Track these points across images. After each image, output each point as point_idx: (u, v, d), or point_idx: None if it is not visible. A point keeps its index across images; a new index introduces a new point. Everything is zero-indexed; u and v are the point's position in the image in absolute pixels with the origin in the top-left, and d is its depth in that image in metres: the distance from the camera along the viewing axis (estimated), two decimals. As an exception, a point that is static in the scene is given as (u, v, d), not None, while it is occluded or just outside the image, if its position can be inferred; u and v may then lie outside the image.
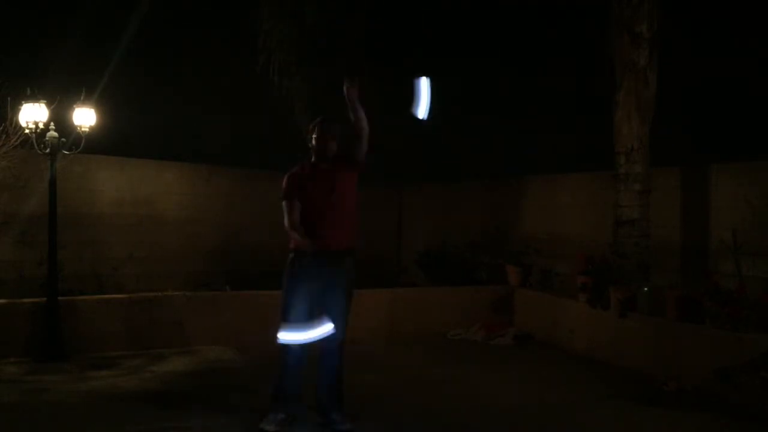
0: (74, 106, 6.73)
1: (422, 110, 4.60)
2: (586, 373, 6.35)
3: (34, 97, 6.40)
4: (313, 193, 4.57)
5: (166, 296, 7.27)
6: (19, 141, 6.86)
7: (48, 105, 6.48)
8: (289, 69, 9.62)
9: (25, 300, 6.70)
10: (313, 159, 4.69)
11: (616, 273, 6.75)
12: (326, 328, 4.34)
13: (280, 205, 4.63)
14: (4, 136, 6.83)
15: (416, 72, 4.60)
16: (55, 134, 6.54)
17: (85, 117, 6.73)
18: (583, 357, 6.89)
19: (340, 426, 4.56)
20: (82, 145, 6.77)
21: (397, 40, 10.80)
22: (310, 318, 4.53)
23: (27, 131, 6.46)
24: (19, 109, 6.47)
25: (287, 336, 4.42)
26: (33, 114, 6.39)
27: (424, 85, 4.58)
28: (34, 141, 6.47)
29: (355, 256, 4.70)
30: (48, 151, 6.52)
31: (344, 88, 4.56)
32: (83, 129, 6.73)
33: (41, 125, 6.44)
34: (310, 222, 4.55)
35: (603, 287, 6.77)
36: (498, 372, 6.42)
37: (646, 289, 6.60)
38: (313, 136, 4.64)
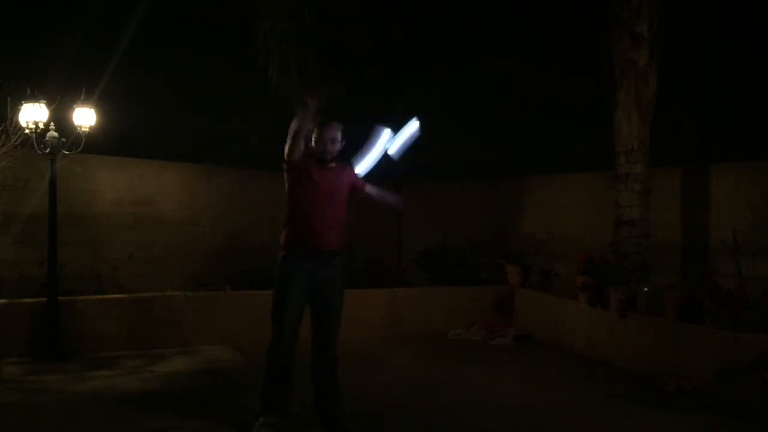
0: (74, 106, 6.72)
1: (395, 148, 4.70)
2: (586, 373, 6.36)
3: (34, 97, 6.39)
4: (311, 190, 4.50)
5: (166, 296, 7.26)
6: (19, 141, 6.85)
7: (48, 105, 6.47)
8: (289, 68, 9.62)
9: (25, 300, 6.70)
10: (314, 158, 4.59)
11: (616, 273, 6.75)
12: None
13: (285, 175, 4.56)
14: (4, 136, 6.82)
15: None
16: (55, 134, 6.54)
17: (85, 117, 6.73)
18: (583, 357, 6.90)
19: (340, 426, 4.55)
20: (82, 145, 6.77)
21: (397, 40, 10.81)
22: (301, 318, 4.53)
23: (27, 131, 6.45)
24: (19, 109, 6.46)
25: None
26: (33, 114, 6.39)
27: (411, 127, 4.67)
28: (34, 141, 6.47)
29: (343, 259, 4.63)
30: (48, 151, 6.52)
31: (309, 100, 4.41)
32: (83, 129, 6.72)
33: (41, 125, 6.43)
34: (304, 219, 4.50)
35: (603, 287, 6.77)
36: (498, 372, 6.42)
37: (646, 289, 6.61)
38: (313, 137, 4.55)
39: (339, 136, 4.56)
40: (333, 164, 4.60)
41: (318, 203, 4.50)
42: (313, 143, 4.56)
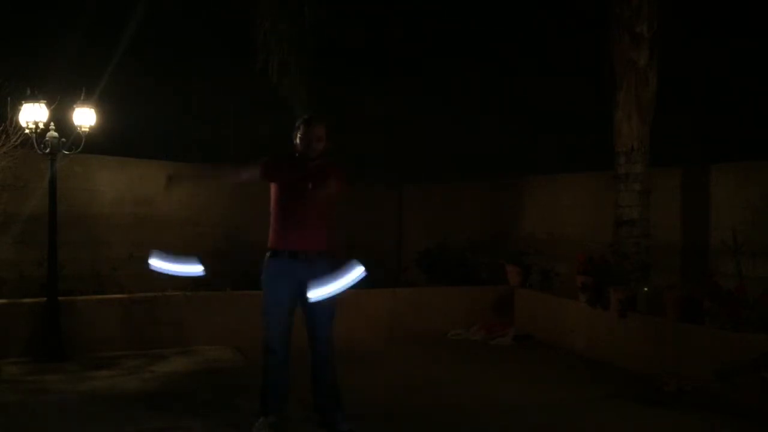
0: (74, 106, 6.72)
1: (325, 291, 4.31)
2: (586, 373, 6.36)
3: (34, 97, 6.39)
4: (288, 191, 4.46)
5: (166, 296, 7.26)
6: (19, 141, 6.86)
7: (48, 105, 6.48)
8: (289, 68, 9.62)
9: (25, 300, 6.71)
10: (297, 156, 4.54)
11: (616, 273, 6.75)
12: (196, 269, 4.50)
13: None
14: (4, 136, 6.82)
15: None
16: (55, 134, 6.54)
17: (85, 117, 6.73)
18: (583, 357, 6.89)
19: (340, 426, 4.55)
20: (82, 145, 6.76)
21: (398, 41, 10.81)
22: (292, 317, 4.51)
23: (27, 131, 6.45)
24: (19, 109, 6.46)
25: (156, 264, 4.45)
26: (33, 114, 6.39)
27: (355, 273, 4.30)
28: (34, 141, 6.47)
29: (330, 260, 4.54)
30: (48, 151, 6.52)
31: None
32: (83, 129, 6.72)
33: (41, 125, 6.43)
34: (283, 219, 4.46)
35: (603, 287, 6.77)
36: (498, 372, 6.42)
37: (646, 289, 6.61)
38: (298, 134, 4.50)
39: (324, 134, 4.50)
40: (315, 162, 4.51)
41: (296, 203, 4.43)
42: (297, 140, 4.52)
